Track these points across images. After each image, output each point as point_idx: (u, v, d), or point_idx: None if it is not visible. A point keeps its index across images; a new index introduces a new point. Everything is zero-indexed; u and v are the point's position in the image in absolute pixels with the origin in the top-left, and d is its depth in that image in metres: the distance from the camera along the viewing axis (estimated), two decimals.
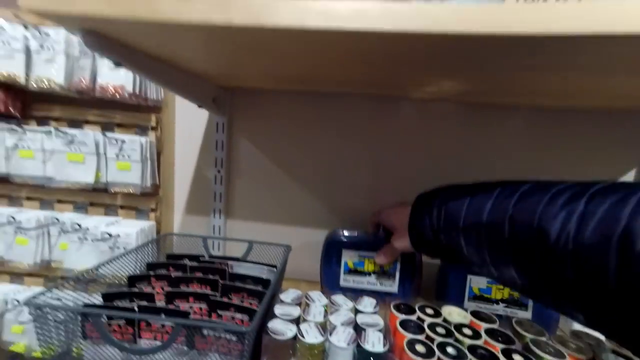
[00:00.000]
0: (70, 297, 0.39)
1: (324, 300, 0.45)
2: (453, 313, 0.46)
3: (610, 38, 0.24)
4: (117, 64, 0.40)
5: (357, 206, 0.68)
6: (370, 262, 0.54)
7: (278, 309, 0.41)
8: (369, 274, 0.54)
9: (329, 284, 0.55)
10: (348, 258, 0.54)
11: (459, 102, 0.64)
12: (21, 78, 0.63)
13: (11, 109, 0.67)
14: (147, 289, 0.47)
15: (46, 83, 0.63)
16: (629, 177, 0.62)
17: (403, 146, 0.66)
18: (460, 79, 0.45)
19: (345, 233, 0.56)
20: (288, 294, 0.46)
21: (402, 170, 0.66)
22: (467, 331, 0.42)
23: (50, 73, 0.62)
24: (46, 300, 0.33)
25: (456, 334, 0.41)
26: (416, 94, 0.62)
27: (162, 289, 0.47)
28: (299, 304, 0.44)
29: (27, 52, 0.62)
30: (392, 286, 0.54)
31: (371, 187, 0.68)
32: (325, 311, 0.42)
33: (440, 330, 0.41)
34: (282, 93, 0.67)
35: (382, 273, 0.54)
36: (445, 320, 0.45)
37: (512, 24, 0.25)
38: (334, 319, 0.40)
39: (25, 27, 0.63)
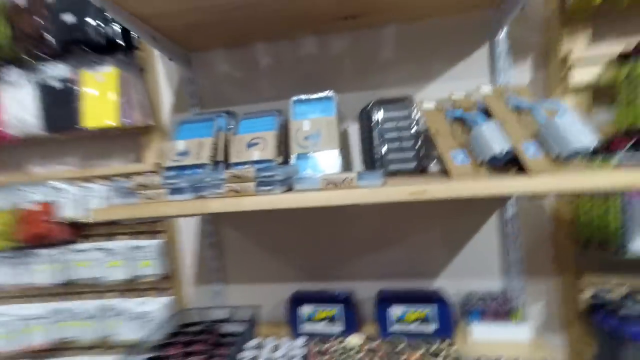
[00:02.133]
0: None
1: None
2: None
3: None
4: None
5: (319, 263, 0.96)
6: (321, 312, 0.82)
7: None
8: (320, 320, 0.83)
9: (294, 329, 0.84)
10: (306, 310, 0.83)
11: None
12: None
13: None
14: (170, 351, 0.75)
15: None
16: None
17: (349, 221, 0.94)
18: None
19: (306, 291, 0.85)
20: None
21: (351, 234, 0.94)
22: None
23: None
24: None
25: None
26: None
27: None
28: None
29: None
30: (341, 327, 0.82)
31: (331, 249, 0.96)
32: None
33: None
34: None
35: (331, 319, 0.81)
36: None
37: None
38: None
39: None
